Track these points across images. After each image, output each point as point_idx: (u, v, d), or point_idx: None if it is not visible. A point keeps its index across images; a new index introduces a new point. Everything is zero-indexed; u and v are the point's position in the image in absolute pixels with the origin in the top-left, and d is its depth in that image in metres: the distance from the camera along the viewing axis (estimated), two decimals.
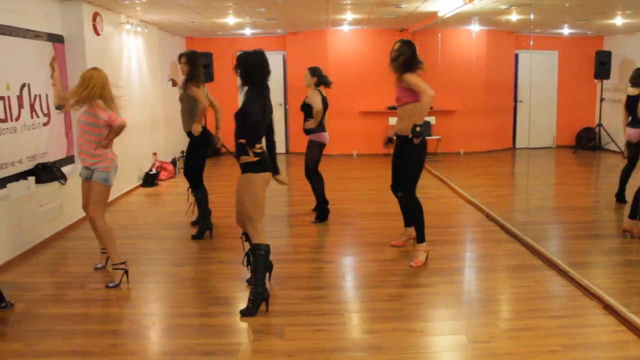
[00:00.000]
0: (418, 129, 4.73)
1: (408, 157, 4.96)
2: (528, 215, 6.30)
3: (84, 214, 6.51)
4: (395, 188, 5.18)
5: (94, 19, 7.18)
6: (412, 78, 4.87)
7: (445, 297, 4.40)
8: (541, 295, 4.37)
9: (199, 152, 6.02)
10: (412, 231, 5.28)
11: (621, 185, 6.72)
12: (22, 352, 3.52)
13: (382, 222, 6.44)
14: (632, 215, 5.44)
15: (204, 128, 5.96)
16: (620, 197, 6.74)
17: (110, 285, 4.61)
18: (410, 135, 4.80)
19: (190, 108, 5.84)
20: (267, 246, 4.16)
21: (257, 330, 3.83)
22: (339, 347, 3.57)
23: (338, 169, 10.21)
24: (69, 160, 6.77)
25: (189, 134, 5.92)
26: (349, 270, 5.07)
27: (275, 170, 4.34)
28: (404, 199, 5.08)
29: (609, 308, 3.92)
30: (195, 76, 5.81)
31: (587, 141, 11.96)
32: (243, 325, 3.98)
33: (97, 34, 7.29)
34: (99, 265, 5.02)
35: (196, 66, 5.83)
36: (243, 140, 4.00)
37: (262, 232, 4.17)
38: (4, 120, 5.46)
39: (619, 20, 9.56)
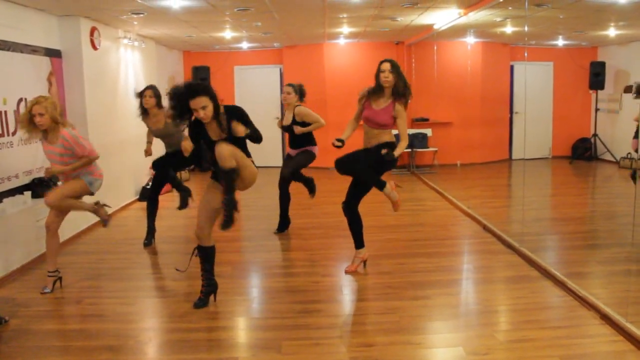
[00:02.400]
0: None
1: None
2: (525, 226, 6.31)
3: (80, 229, 6.55)
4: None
5: (92, 34, 7.21)
6: (405, 113, 4.90)
7: (443, 309, 4.39)
8: (538, 306, 4.36)
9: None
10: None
11: None
12: None
13: (379, 234, 6.43)
14: None
15: None
16: None
17: (47, 291, 4.77)
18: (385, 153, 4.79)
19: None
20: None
21: (254, 344, 3.82)
22: None
23: (335, 181, 10.14)
24: None
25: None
26: (346, 284, 5.05)
27: None
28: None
29: (606, 318, 3.92)
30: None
31: (583, 151, 12.00)
32: (240, 339, 3.97)
33: (95, 48, 7.32)
34: (47, 290, 4.78)
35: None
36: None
37: None
38: (1, 135, 5.48)
39: (612, 32, 9.63)
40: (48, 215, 4.80)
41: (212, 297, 4.48)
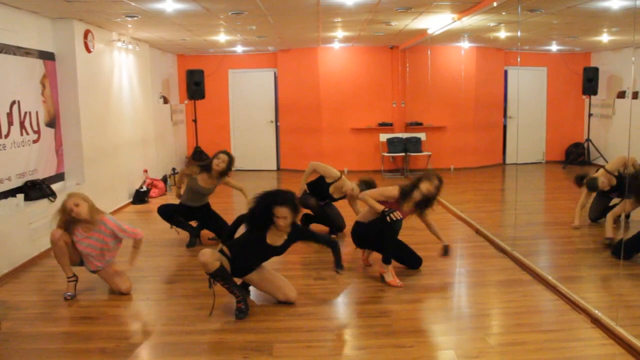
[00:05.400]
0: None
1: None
2: (517, 230, 6.33)
3: None
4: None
5: (85, 37, 7.21)
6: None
7: (435, 313, 4.41)
8: (530, 309, 4.39)
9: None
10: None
11: None
12: None
13: None
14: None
15: None
16: None
17: (70, 295, 4.73)
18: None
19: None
20: None
21: (246, 347, 3.81)
22: None
23: None
24: (59, 177, 6.77)
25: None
26: (338, 287, 5.06)
27: None
28: None
29: (596, 322, 3.94)
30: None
31: (576, 156, 12.05)
32: (232, 342, 3.97)
33: (89, 51, 7.32)
34: (70, 294, 4.70)
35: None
36: None
37: None
38: None
39: (605, 37, 9.69)
40: (57, 230, 4.61)
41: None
